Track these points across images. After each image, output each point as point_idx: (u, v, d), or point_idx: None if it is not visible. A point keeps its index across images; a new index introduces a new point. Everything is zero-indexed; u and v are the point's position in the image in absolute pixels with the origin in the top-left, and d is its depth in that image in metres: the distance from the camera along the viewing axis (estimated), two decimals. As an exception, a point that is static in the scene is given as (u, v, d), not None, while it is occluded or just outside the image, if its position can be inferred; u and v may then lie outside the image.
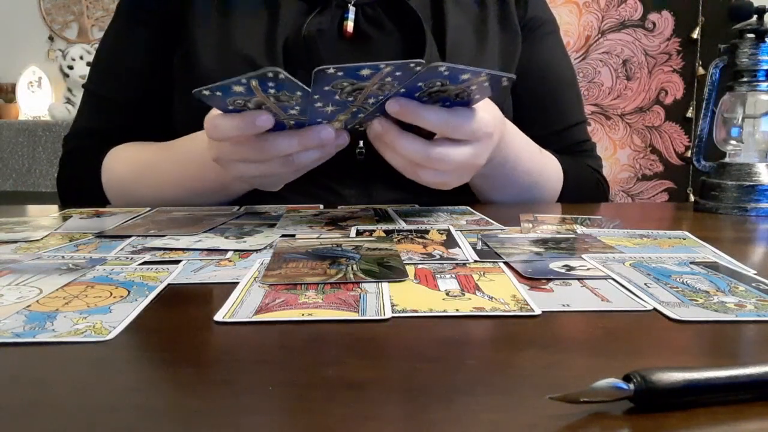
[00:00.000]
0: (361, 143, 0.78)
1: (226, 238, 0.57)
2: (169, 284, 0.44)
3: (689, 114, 1.41)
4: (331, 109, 0.56)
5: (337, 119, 0.58)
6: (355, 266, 0.47)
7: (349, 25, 0.79)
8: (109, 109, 0.87)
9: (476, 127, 0.59)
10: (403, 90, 0.55)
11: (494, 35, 0.85)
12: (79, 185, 0.86)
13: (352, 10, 0.80)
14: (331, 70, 0.51)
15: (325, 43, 0.79)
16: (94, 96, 0.88)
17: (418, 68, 0.52)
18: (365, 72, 0.51)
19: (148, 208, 0.73)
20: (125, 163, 0.83)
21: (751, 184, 0.74)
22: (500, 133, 0.66)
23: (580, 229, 0.61)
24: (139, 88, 0.85)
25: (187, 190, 0.77)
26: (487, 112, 0.61)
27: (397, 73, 0.52)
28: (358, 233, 0.59)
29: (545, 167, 0.83)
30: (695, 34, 1.39)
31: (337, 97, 0.54)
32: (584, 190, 0.89)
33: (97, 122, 0.88)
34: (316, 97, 0.54)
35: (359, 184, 0.81)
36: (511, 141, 0.73)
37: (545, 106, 0.78)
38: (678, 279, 0.44)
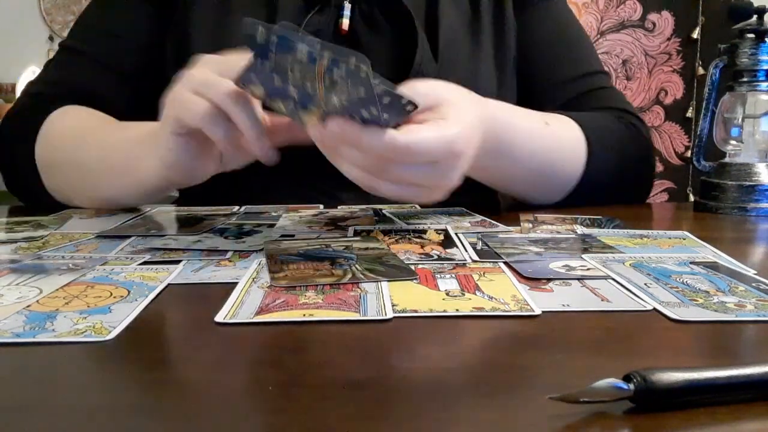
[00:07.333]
0: None
1: (226, 238, 0.57)
2: (169, 284, 0.44)
3: (689, 114, 1.41)
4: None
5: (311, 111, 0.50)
6: (358, 266, 0.47)
7: (345, 23, 0.79)
8: (81, 63, 0.80)
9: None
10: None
11: (488, 33, 0.84)
12: (11, 149, 0.76)
13: (347, 6, 0.80)
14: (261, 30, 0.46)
15: None
16: (70, 49, 0.82)
17: (362, 67, 0.44)
18: (301, 49, 0.45)
19: (149, 208, 0.73)
20: (66, 126, 0.74)
21: (751, 184, 0.74)
22: (477, 141, 0.57)
23: (580, 229, 0.61)
24: (120, 51, 0.80)
25: (106, 165, 0.68)
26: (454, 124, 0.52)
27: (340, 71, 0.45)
28: (356, 233, 0.59)
29: (555, 142, 0.73)
30: (695, 34, 1.39)
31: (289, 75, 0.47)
32: (617, 144, 0.77)
33: (63, 74, 0.80)
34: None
35: (358, 187, 0.80)
36: (502, 131, 0.65)
37: (557, 62, 0.75)
38: (678, 279, 0.44)
